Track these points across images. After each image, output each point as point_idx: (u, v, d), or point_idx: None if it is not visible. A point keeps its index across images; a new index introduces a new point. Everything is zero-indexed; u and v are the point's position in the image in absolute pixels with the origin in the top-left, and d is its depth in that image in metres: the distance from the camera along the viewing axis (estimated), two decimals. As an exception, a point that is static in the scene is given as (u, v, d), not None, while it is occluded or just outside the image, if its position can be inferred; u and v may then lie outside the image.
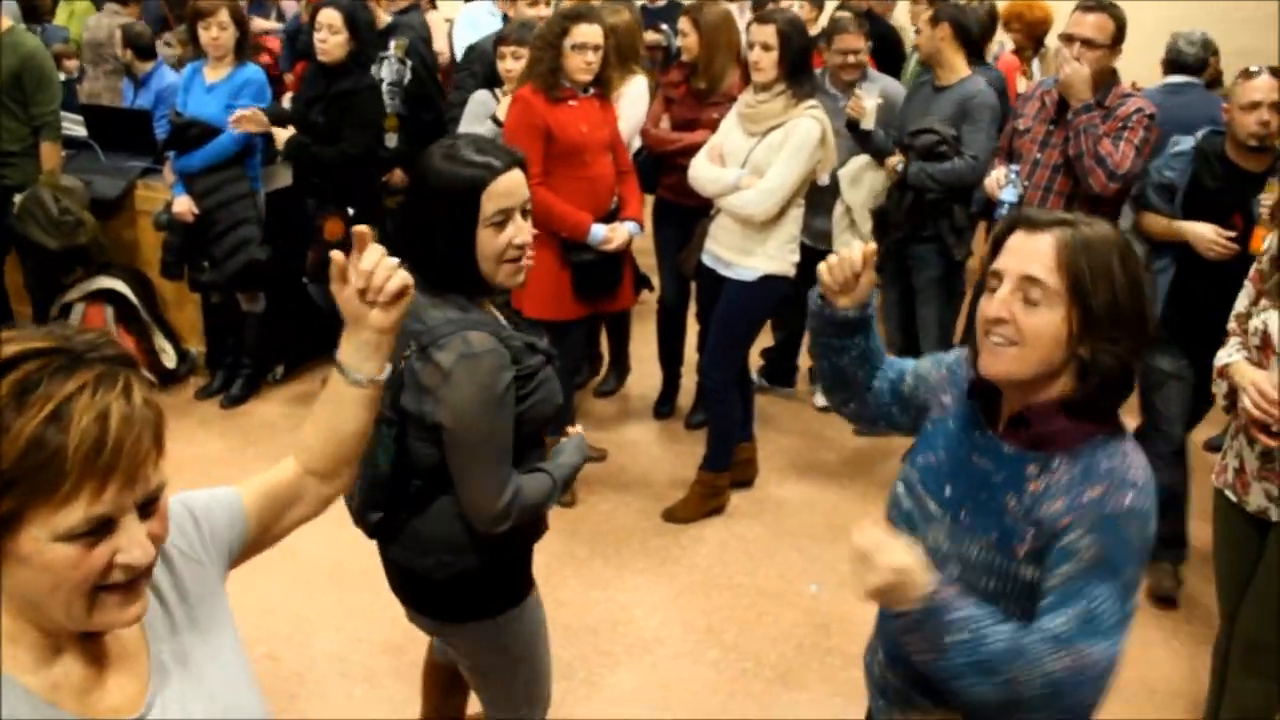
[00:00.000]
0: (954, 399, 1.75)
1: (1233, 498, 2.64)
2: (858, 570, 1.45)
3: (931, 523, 1.69)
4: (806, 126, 3.70)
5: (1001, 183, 3.76)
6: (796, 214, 3.85)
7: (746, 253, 3.83)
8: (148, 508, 1.06)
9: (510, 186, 1.95)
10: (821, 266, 1.78)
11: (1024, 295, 1.51)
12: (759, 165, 3.73)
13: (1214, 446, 4.23)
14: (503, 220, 1.95)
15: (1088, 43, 3.57)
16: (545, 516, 2.21)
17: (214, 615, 1.27)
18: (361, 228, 1.44)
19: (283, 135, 4.40)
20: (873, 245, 1.77)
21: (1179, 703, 3.22)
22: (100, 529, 1.01)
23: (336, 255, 1.41)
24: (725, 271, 3.89)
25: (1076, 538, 1.48)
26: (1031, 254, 1.51)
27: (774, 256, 3.82)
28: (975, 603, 1.48)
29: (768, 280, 3.82)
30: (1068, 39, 3.62)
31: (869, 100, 4.25)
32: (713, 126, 4.19)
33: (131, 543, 1.03)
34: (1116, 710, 3.22)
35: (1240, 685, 2.68)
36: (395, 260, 1.42)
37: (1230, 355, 2.52)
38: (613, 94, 4.21)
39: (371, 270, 1.39)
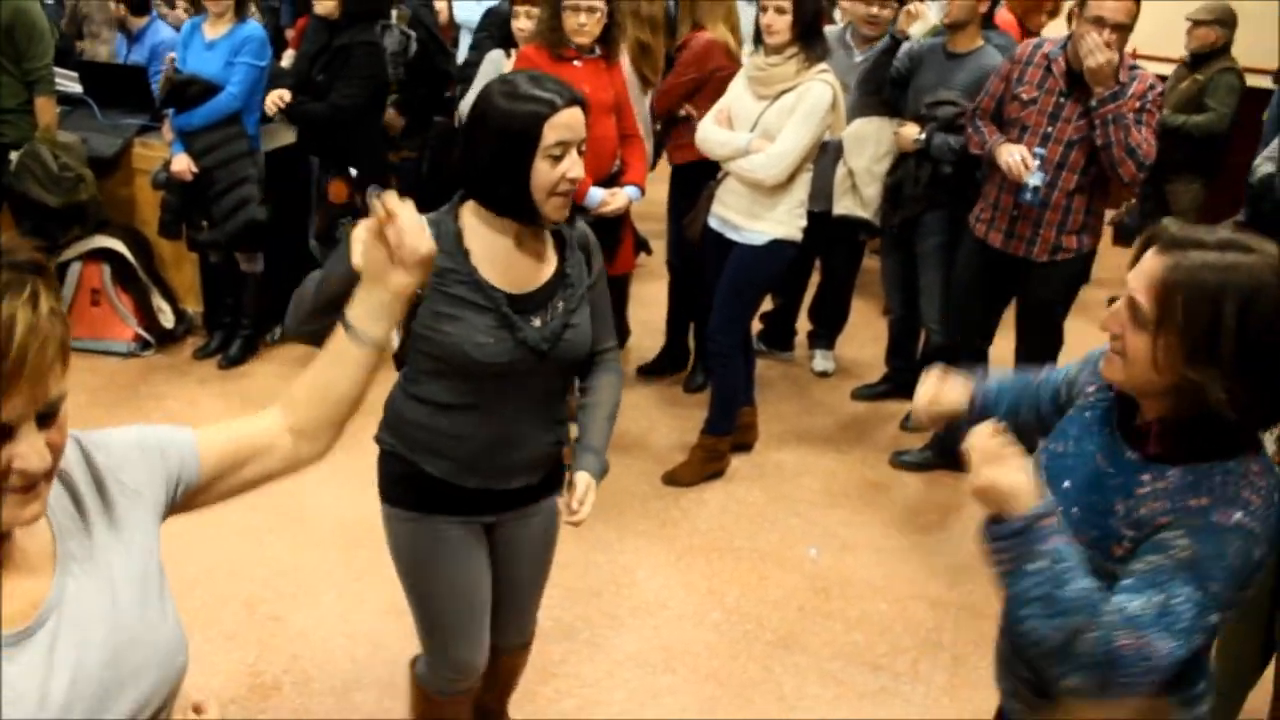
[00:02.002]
0: (1096, 389, 1.75)
1: None
2: (977, 464, 1.51)
3: None
4: (819, 91, 3.67)
5: (1030, 166, 3.61)
6: (805, 178, 3.83)
7: (755, 217, 3.82)
8: (47, 418, 1.05)
9: (571, 120, 2.00)
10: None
11: (1131, 313, 1.52)
12: (770, 129, 3.71)
13: None
14: (560, 154, 1.99)
15: (1119, 27, 3.40)
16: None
17: (135, 540, 1.29)
18: (391, 194, 1.43)
19: (284, 95, 4.38)
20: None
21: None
22: None
23: (379, 207, 1.43)
24: (733, 235, 3.88)
25: (1173, 536, 1.48)
26: (1142, 274, 1.51)
27: (783, 221, 3.80)
28: (1073, 545, 1.50)
29: (776, 245, 3.81)
30: (1097, 23, 3.40)
31: (917, 25, 4.20)
32: (718, 84, 4.22)
33: (30, 450, 1.03)
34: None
35: None
36: (424, 222, 1.47)
37: None
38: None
39: (406, 229, 1.41)
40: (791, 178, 3.75)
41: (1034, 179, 3.62)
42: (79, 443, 1.23)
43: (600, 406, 2.30)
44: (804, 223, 3.86)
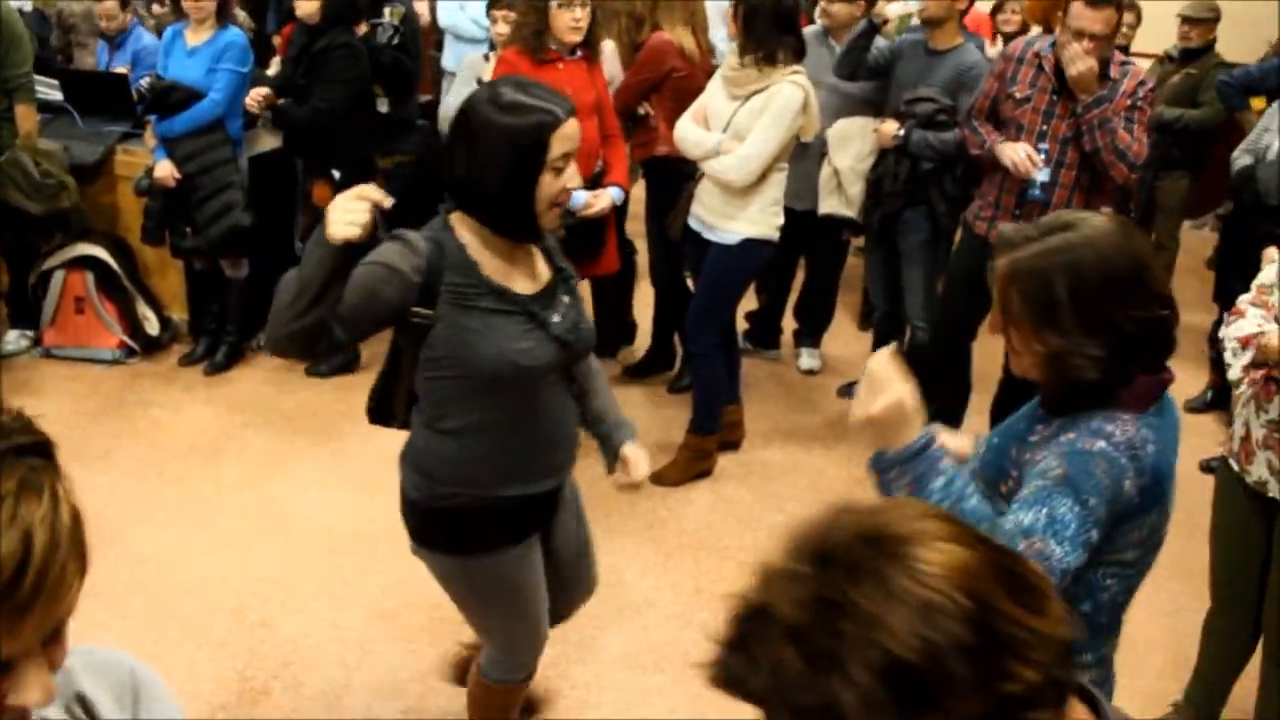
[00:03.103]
0: None
1: (1235, 467, 2.66)
2: (863, 394, 1.59)
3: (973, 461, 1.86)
4: (788, 93, 3.69)
5: (1037, 162, 3.64)
6: (779, 178, 3.84)
7: (728, 216, 3.84)
8: (50, 638, 0.89)
9: (573, 130, 1.99)
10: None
11: (997, 314, 1.70)
12: (740, 130, 3.73)
13: (1210, 468, 4.25)
14: (563, 165, 1.98)
15: (1097, 38, 3.46)
16: (497, 479, 2.17)
17: None
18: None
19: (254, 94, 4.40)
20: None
21: (1158, 657, 3.29)
22: None
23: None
24: (708, 235, 3.89)
25: (1046, 461, 1.63)
26: (993, 280, 1.70)
27: (755, 220, 3.82)
28: (970, 483, 1.62)
29: (749, 244, 3.82)
30: (1077, 34, 3.46)
31: (893, 7, 4.17)
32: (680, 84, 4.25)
33: (32, 684, 0.85)
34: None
35: (1272, 677, 2.66)
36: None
37: (1260, 324, 2.50)
38: None
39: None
40: (764, 177, 3.76)
41: (1042, 175, 3.67)
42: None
43: (600, 386, 2.38)
44: (780, 221, 3.87)
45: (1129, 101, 3.52)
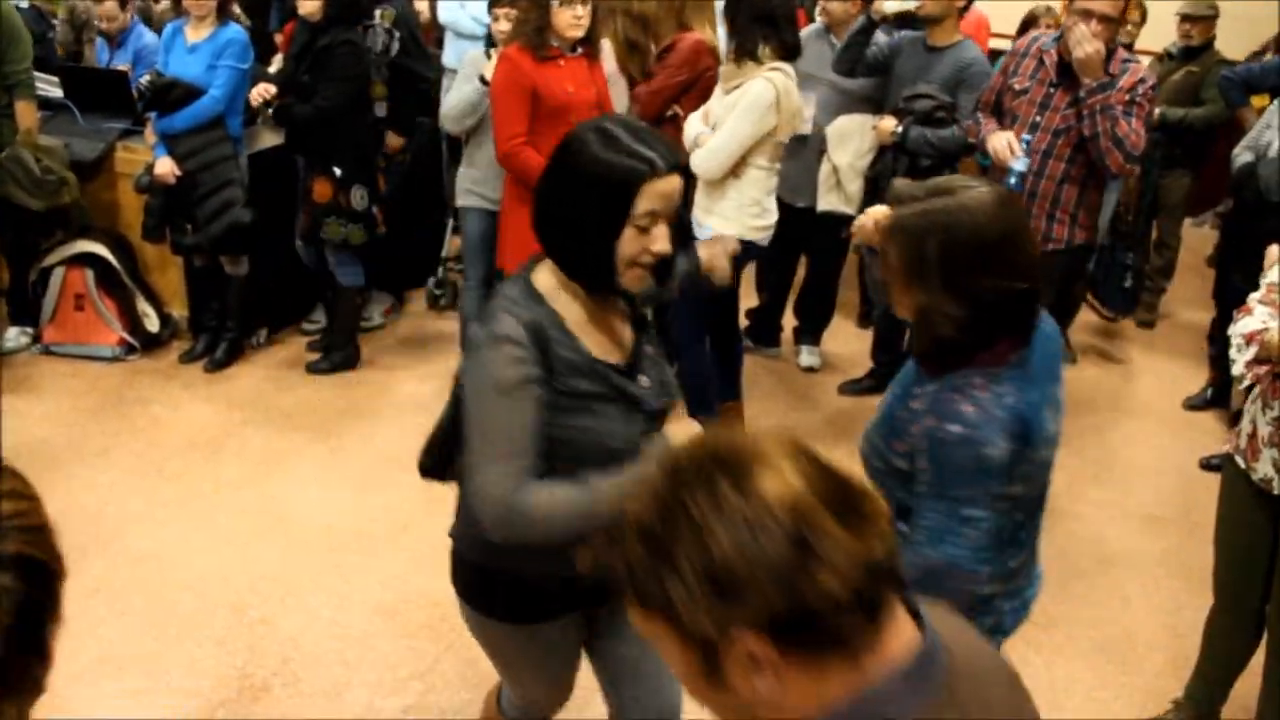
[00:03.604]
0: None
1: (1241, 464, 2.66)
2: None
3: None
4: (757, 89, 3.69)
5: (1016, 151, 3.64)
6: (758, 176, 3.83)
7: (706, 210, 3.88)
8: None
9: (669, 189, 1.78)
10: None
11: (883, 262, 1.84)
12: (719, 124, 3.78)
13: (1211, 465, 4.26)
14: (649, 224, 1.77)
15: (1105, 19, 3.46)
16: (577, 553, 1.98)
17: None
18: None
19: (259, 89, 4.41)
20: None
21: (1158, 655, 3.28)
22: None
23: None
24: (694, 229, 3.91)
25: (920, 465, 1.78)
26: (882, 231, 1.85)
27: (729, 218, 3.82)
28: None
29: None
30: (1085, 15, 3.46)
31: (891, 4, 4.14)
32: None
33: None
34: (1099, 659, 3.30)
35: (1276, 673, 2.64)
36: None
37: (1265, 322, 2.50)
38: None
39: None
40: (740, 174, 3.77)
41: (1018, 164, 3.66)
42: None
43: None
44: (760, 222, 3.86)
45: (1127, 96, 3.53)
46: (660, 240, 1.78)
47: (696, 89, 4.24)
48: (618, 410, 1.86)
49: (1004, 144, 3.67)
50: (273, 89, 4.44)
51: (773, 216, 3.97)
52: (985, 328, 1.75)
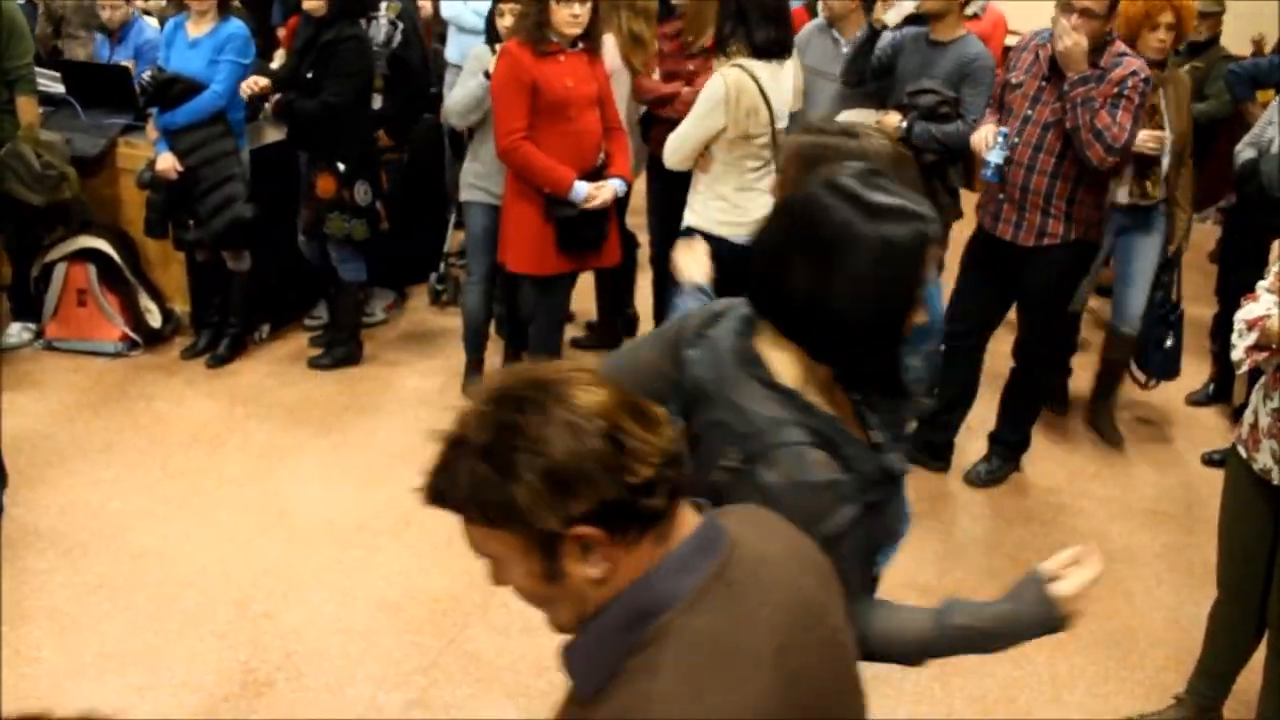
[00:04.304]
0: None
1: (1243, 454, 2.66)
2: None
3: None
4: (711, 85, 3.66)
5: (990, 143, 3.71)
6: (722, 171, 3.76)
7: (688, 205, 3.89)
8: None
9: (939, 235, 1.55)
10: None
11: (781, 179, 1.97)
12: None
13: (1213, 461, 4.25)
14: (924, 291, 1.49)
15: (1086, 13, 3.48)
16: None
17: None
18: None
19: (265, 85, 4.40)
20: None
21: (1160, 650, 3.29)
22: None
23: None
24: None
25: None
26: (783, 152, 2.01)
27: (696, 210, 3.82)
28: None
29: (688, 232, 3.74)
30: (1067, 9, 3.51)
31: (893, 13, 4.16)
32: (689, 79, 4.20)
33: None
34: (1101, 654, 3.30)
35: (1277, 671, 2.64)
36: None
37: (1270, 309, 2.50)
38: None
39: None
40: (704, 169, 3.76)
41: (993, 156, 3.71)
42: None
43: None
44: (726, 217, 3.76)
45: (1115, 89, 3.53)
46: (922, 312, 1.50)
47: None
48: (898, 505, 1.63)
49: (982, 137, 3.75)
50: (263, 81, 4.42)
51: (748, 214, 3.76)
52: None
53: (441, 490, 1.15)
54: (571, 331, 5.01)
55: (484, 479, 1.11)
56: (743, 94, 3.63)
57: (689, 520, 1.20)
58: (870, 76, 4.27)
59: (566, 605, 1.17)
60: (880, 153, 1.83)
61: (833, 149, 1.83)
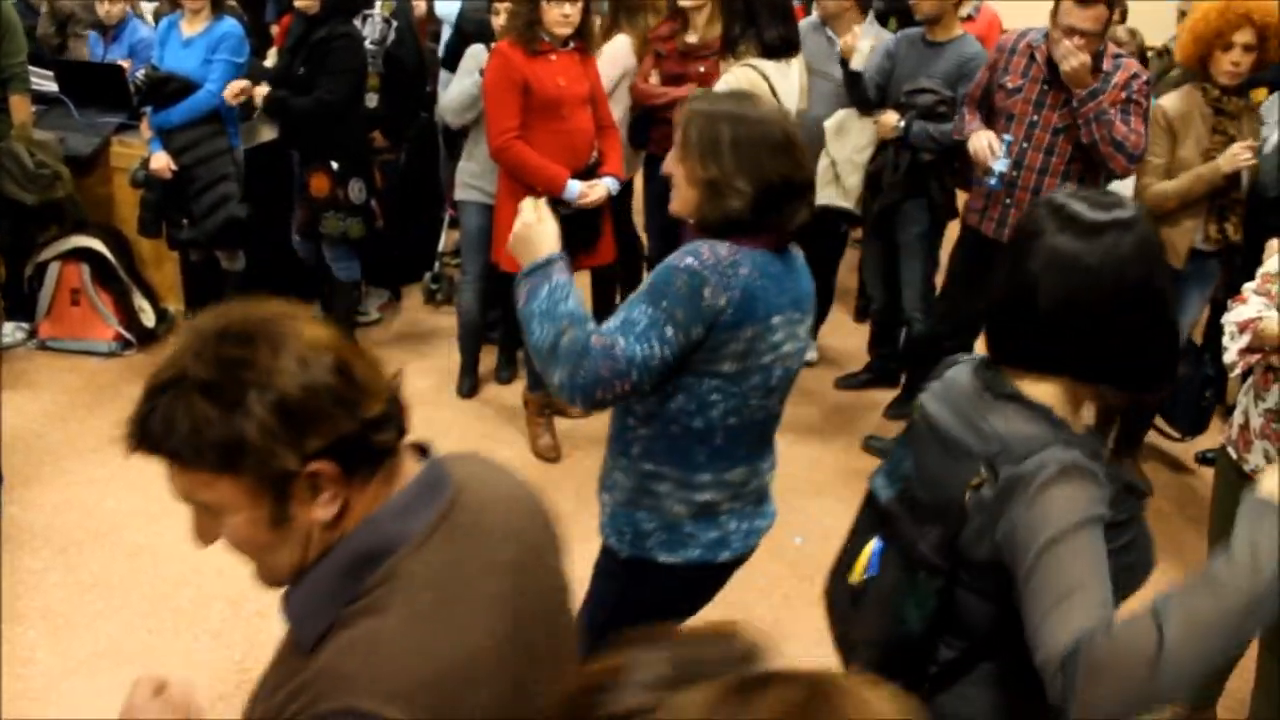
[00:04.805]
0: None
1: (1234, 455, 2.67)
2: (517, 229, 2.01)
3: None
4: (723, 82, 3.69)
5: (997, 152, 3.66)
6: None
7: None
8: None
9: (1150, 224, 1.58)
10: None
11: (676, 150, 2.04)
12: None
13: (1206, 459, 4.26)
14: None
15: (1086, 34, 3.47)
16: None
17: None
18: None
19: (261, 92, 4.35)
20: None
21: (1155, 648, 3.29)
22: None
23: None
24: None
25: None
26: (677, 120, 2.06)
27: None
28: (574, 291, 1.97)
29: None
30: (1068, 31, 3.48)
31: (864, 41, 4.19)
32: (699, 81, 4.19)
33: None
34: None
35: (1268, 670, 2.66)
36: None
37: (1261, 311, 2.51)
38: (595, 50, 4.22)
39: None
40: None
41: (999, 165, 3.68)
42: None
43: None
44: None
45: (1123, 95, 3.53)
46: None
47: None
48: (1145, 526, 1.59)
49: (984, 144, 3.69)
50: (241, 83, 4.39)
51: None
52: (767, 209, 1.96)
53: (152, 434, 1.08)
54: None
55: (208, 418, 1.04)
56: (752, 90, 3.68)
57: (412, 463, 1.19)
58: (875, 93, 4.28)
59: (287, 552, 1.13)
60: (772, 111, 2.06)
61: (733, 107, 2.02)
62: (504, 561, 1.20)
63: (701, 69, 4.18)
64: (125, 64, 4.98)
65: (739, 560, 2.21)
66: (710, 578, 2.22)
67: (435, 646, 1.10)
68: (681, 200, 2.04)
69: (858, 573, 1.70)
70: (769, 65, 3.73)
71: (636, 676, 0.75)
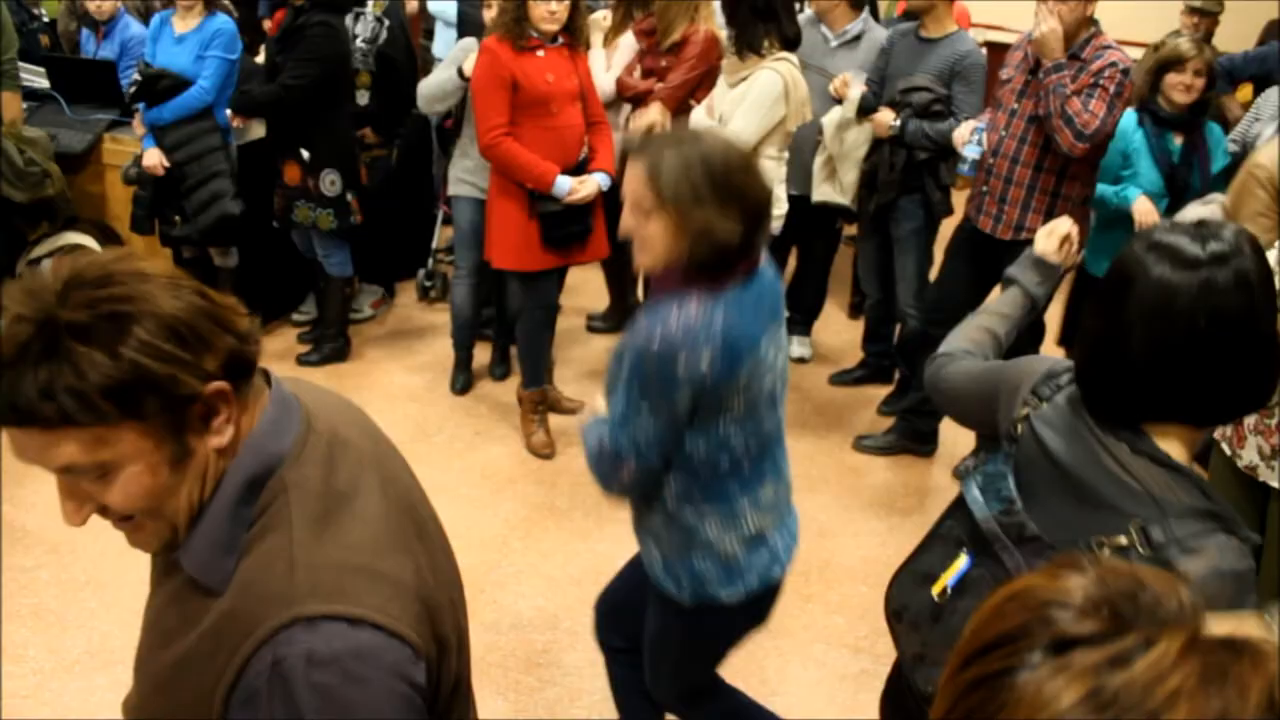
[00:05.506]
0: None
1: (1227, 450, 2.67)
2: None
3: None
4: (765, 80, 3.70)
5: (967, 138, 3.75)
6: (768, 165, 3.84)
7: None
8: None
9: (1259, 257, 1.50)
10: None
11: (637, 211, 1.95)
12: (725, 117, 3.79)
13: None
14: None
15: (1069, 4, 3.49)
16: None
17: None
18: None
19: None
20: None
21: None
22: None
23: None
24: None
25: (618, 366, 1.97)
26: (632, 180, 1.95)
27: None
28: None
29: None
30: None
31: (854, 89, 4.22)
32: (661, 76, 4.23)
33: None
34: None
35: None
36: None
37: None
38: (609, 44, 4.27)
39: None
40: None
41: (969, 150, 3.76)
42: None
43: None
44: (772, 210, 3.88)
45: (1092, 79, 3.54)
46: None
47: (708, 82, 4.25)
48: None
49: (960, 131, 3.81)
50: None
51: (783, 206, 3.99)
52: (753, 232, 1.95)
53: (25, 405, 0.99)
54: (579, 320, 5.07)
55: (94, 362, 1.00)
56: (796, 86, 3.79)
57: (261, 380, 1.21)
58: (871, 90, 4.29)
59: (186, 491, 1.12)
60: (717, 138, 2.01)
61: (690, 148, 1.94)
62: (368, 457, 1.26)
63: (664, 64, 4.23)
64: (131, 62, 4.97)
65: (784, 564, 2.24)
66: (770, 594, 2.24)
67: (345, 539, 1.15)
68: (662, 252, 1.94)
69: (941, 584, 1.66)
70: (793, 58, 3.80)
71: (1078, 601, 0.69)
